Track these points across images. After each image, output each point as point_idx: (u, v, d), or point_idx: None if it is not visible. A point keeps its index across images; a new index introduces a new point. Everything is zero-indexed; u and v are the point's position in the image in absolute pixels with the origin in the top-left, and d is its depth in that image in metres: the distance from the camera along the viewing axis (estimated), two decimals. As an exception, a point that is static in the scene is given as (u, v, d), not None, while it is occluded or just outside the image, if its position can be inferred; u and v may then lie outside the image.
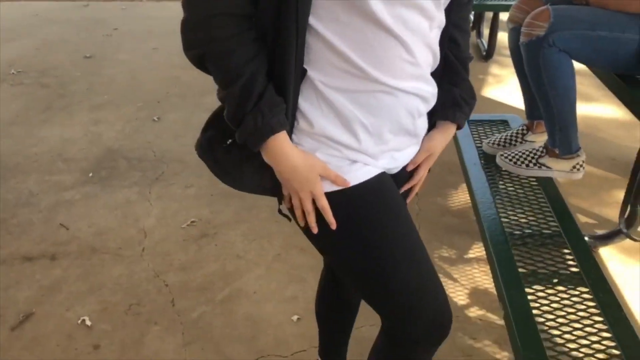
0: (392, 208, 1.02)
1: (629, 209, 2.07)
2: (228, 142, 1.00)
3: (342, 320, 1.49)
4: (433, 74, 1.06)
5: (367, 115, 0.95)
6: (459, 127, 1.15)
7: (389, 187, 1.04)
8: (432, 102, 1.06)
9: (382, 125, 0.97)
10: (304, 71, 0.92)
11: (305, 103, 0.94)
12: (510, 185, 1.92)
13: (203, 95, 3.58)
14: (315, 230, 0.99)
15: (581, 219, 2.38)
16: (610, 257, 2.16)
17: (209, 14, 0.86)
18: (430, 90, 1.03)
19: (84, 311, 1.93)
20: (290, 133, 0.95)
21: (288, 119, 0.93)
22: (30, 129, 3.22)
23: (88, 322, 1.89)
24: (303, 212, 0.99)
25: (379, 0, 0.86)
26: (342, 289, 1.40)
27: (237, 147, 0.96)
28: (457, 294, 2.02)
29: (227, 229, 2.35)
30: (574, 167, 1.81)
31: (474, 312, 1.94)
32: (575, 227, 1.69)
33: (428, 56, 0.99)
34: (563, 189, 2.33)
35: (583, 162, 1.81)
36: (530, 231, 1.69)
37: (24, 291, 2.03)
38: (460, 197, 2.54)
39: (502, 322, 1.75)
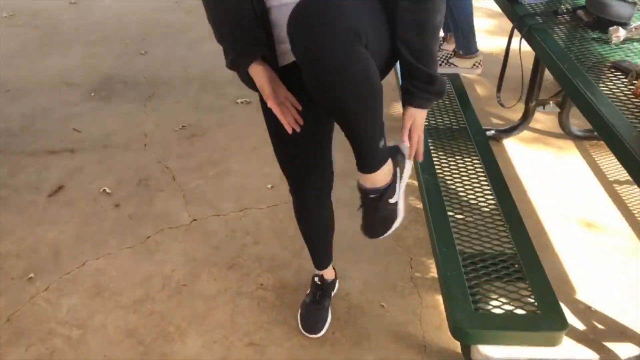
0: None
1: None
2: None
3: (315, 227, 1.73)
4: None
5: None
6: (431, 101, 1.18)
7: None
8: None
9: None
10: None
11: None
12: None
13: (182, 33, 4.04)
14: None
15: (494, 121, 3.01)
16: (511, 145, 2.80)
17: None
18: None
19: (103, 184, 2.48)
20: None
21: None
22: (31, 61, 3.67)
23: (108, 190, 2.43)
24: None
25: None
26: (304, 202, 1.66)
27: None
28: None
29: (211, 132, 2.90)
30: (474, 64, 2.41)
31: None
32: (477, 123, 2.21)
33: None
34: (479, 103, 2.95)
35: (481, 60, 2.41)
36: (443, 127, 2.19)
37: (53, 173, 2.55)
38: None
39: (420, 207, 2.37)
